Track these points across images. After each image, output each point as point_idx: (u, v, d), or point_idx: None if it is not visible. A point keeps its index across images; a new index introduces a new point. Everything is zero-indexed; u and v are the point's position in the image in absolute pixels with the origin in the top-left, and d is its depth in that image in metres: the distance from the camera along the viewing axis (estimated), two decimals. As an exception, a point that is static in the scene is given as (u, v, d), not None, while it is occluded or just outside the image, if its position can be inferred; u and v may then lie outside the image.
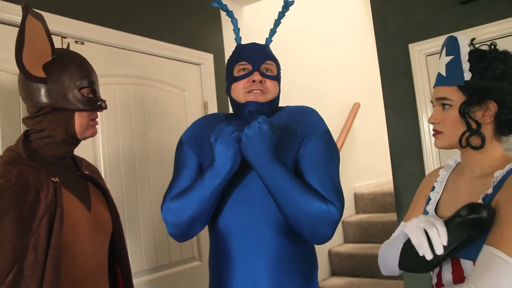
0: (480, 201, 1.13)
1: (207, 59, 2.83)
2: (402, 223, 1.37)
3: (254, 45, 1.54)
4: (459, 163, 1.34)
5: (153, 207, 2.38)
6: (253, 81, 1.46)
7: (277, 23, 1.62)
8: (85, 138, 1.39)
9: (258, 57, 1.49)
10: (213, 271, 1.53)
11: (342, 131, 4.47)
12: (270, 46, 1.61)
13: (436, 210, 1.28)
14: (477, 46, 1.23)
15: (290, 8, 1.61)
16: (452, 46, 1.19)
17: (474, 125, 1.16)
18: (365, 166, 4.66)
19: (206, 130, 1.54)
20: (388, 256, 1.30)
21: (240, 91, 1.49)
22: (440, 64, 1.23)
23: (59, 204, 1.24)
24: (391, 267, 1.29)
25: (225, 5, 1.62)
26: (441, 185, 1.32)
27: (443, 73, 1.20)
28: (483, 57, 1.17)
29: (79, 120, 1.34)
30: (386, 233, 3.99)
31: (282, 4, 1.60)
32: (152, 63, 2.49)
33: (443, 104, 1.20)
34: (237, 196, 1.44)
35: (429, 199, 1.33)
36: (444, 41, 1.24)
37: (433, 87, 1.26)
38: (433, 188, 1.34)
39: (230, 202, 1.45)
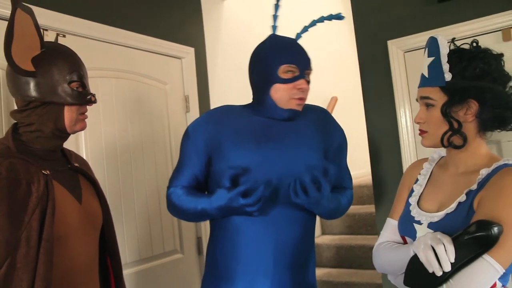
0: (463, 196, 1.16)
1: (188, 53, 2.83)
2: (388, 219, 1.40)
3: (299, 46, 1.55)
4: (442, 156, 1.38)
5: (136, 200, 2.39)
6: (300, 88, 1.48)
7: (277, 7, 1.70)
8: (74, 132, 1.39)
9: (304, 62, 1.51)
10: (214, 255, 1.58)
11: (319, 125, 4.52)
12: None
13: (418, 202, 1.31)
14: (459, 44, 1.26)
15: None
16: (433, 47, 1.22)
17: (455, 125, 1.18)
18: (342, 159, 4.71)
19: (223, 124, 1.56)
20: (384, 261, 1.32)
21: (285, 95, 1.49)
22: (423, 65, 1.26)
23: (51, 197, 1.24)
24: (390, 270, 1.31)
25: None
26: (425, 178, 1.35)
27: (426, 74, 1.24)
28: (462, 57, 1.20)
29: (68, 114, 1.34)
30: (362, 225, 4.09)
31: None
32: (134, 57, 2.49)
33: (427, 104, 1.23)
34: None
35: (412, 191, 1.36)
36: (426, 42, 1.27)
37: (418, 88, 1.28)
38: (417, 180, 1.37)
39: None
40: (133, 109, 2.44)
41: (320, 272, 3.75)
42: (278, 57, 1.49)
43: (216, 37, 3.11)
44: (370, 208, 4.16)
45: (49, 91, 1.30)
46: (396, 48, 2.48)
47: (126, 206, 2.32)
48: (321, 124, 1.62)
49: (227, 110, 1.61)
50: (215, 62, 3.06)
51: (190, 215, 1.55)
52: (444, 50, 1.19)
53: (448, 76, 1.18)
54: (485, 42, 2.21)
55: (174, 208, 1.59)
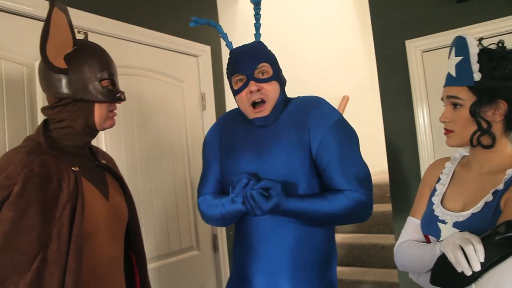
0: (490, 195, 1.16)
1: (205, 51, 2.84)
2: (410, 218, 1.40)
3: (243, 51, 1.54)
4: (464, 156, 1.38)
5: (154, 198, 2.40)
6: (251, 91, 1.48)
7: (257, 18, 1.61)
8: (103, 129, 1.41)
9: (249, 65, 1.50)
10: (236, 261, 1.60)
11: (331, 124, 4.52)
12: (253, 39, 1.60)
13: (441, 201, 1.31)
14: (485, 44, 1.25)
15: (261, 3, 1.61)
16: (461, 47, 1.22)
17: (484, 125, 1.19)
18: (353, 158, 4.70)
19: (225, 128, 1.65)
20: (407, 259, 1.32)
21: (245, 105, 1.52)
22: (450, 64, 1.26)
23: (80, 194, 1.26)
24: (412, 268, 1.31)
25: (203, 19, 1.61)
26: (447, 178, 1.35)
27: (453, 74, 1.23)
28: (492, 57, 1.20)
29: (98, 111, 1.36)
30: (374, 223, 4.08)
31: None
32: (152, 54, 2.50)
33: (454, 104, 1.23)
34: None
35: (435, 190, 1.35)
36: (452, 41, 1.27)
37: (444, 87, 1.28)
38: (439, 179, 1.37)
39: None
40: (151, 106, 2.46)
41: (332, 271, 3.75)
42: (228, 72, 1.57)
43: (231, 35, 3.08)
44: (383, 207, 4.15)
45: (80, 88, 1.31)
46: (414, 48, 2.48)
47: (144, 204, 2.34)
48: (301, 120, 1.50)
49: (231, 116, 1.68)
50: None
51: (220, 220, 1.59)
52: (473, 50, 1.20)
53: (477, 76, 1.19)
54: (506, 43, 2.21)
55: (204, 216, 1.65)
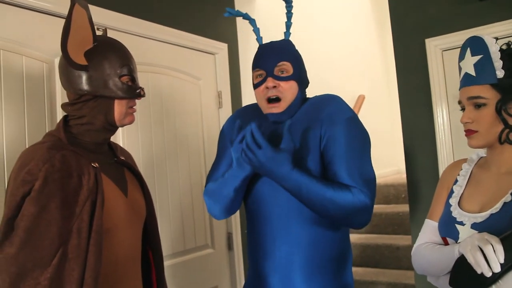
0: (508, 196, 1.15)
1: (222, 48, 2.84)
2: (427, 221, 1.39)
3: (268, 48, 1.54)
4: (481, 157, 1.36)
5: (170, 195, 2.41)
6: (267, 87, 1.48)
7: (288, 16, 1.62)
8: (123, 126, 1.41)
9: (270, 61, 1.50)
10: (251, 260, 1.58)
11: (346, 123, 4.49)
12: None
13: (459, 203, 1.30)
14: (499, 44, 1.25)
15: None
16: (478, 46, 1.21)
17: (511, 121, 1.18)
18: (369, 158, 4.69)
19: (245, 118, 1.64)
20: (425, 262, 1.30)
21: (261, 100, 1.53)
22: (466, 65, 1.25)
23: (100, 190, 1.26)
24: (431, 271, 1.29)
25: (238, 11, 1.63)
26: (464, 179, 1.34)
27: (472, 73, 1.22)
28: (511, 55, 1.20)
29: (118, 107, 1.36)
30: (388, 224, 4.06)
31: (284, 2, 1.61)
32: (169, 52, 2.50)
33: (477, 104, 1.22)
34: (268, 188, 1.50)
35: (452, 192, 1.34)
36: (464, 43, 1.27)
37: (461, 88, 1.27)
38: (456, 181, 1.36)
39: (262, 194, 1.52)
40: (168, 104, 2.46)
41: (345, 271, 3.74)
42: (252, 67, 1.56)
43: (248, 33, 3.11)
44: (397, 208, 4.12)
45: (100, 84, 1.32)
46: (434, 46, 2.45)
47: (160, 201, 2.35)
48: (314, 117, 1.48)
49: (252, 109, 1.67)
50: (247, 58, 3.06)
51: (226, 196, 1.51)
52: (494, 48, 1.20)
53: (500, 73, 1.18)
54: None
55: (210, 197, 1.56)
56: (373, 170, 1.45)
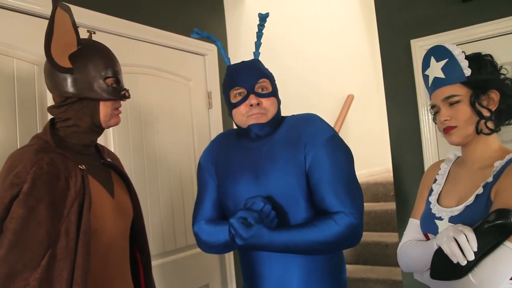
0: (480, 188, 1.22)
1: (212, 50, 2.86)
2: (411, 220, 1.44)
3: (244, 66, 1.53)
4: (458, 156, 1.44)
5: (160, 195, 2.43)
6: (251, 105, 1.47)
7: (259, 35, 1.62)
8: (109, 127, 1.43)
9: (250, 79, 1.49)
10: (244, 269, 1.57)
11: (336, 123, 4.54)
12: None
13: (438, 200, 1.36)
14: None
15: (267, 19, 1.62)
16: (441, 52, 1.31)
17: (486, 112, 1.26)
18: (358, 157, 4.69)
19: (220, 150, 1.62)
20: (409, 258, 1.35)
21: (242, 117, 1.50)
22: (433, 71, 1.33)
23: (87, 191, 1.28)
24: (415, 268, 1.33)
25: (205, 32, 1.63)
26: (443, 177, 1.41)
27: (442, 76, 1.30)
28: (472, 58, 1.30)
29: (103, 109, 1.37)
30: (377, 222, 4.10)
31: (259, 18, 1.61)
32: (159, 53, 2.52)
33: (451, 103, 1.29)
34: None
35: (432, 190, 1.41)
36: (426, 53, 1.36)
37: (432, 93, 1.34)
38: (435, 180, 1.43)
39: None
40: (159, 105, 2.48)
41: (336, 268, 3.78)
42: (227, 85, 1.55)
43: (237, 34, 3.14)
44: (386, 206, 4.17)
45: (85, 87, 1.33)
46: (419, 47, 2.49)
47: (151, 201, 2.37)
48: (295, 137, 1.47)
49: (227, 136, 1.66)
50: (237, 59, 3.07)
51: (222, 247, 1.52)
52: (457, 51, 1.29)
53: (467, 72, 1.27)
54: (509, 42, 2.22)
55: (206, 245, 1.55)
56: (358, 184, 1.45)
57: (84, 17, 2.09)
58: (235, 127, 1.61)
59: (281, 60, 3.70)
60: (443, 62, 1.30)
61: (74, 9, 2.02)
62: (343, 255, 1.57)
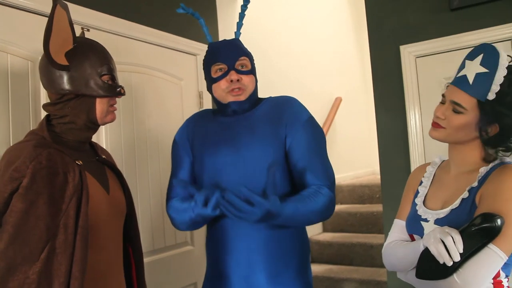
0: (466, 192, 1.25)
1: (203, 49, 2.85)
2: (396, 220, 1.47)
3: (226, 43, 1.60)
4: (443, 160, 1.47)
5: (151, 193, 2.45)
6: (231, 80, 1.53)
7: (241, 16, 1.70)
8: (105, 123, 1.44)
9: (231, 55, 1.56)
10: (210, 255, 1.61)
11: (324, 125, 4.57)
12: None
13: (424, 202, 1.39)
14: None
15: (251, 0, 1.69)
16: (491, 60, 1.21)
17: (485, 136, 1.24)
18: (345, 159, 4.78)
19: (196, 127, 1.67)
20: (394, 258, 1.37)
21: (222, 92, 1.56)
22: (470, 68, 1.25)
23: (85, 186, 1.30)
24: (399, 267, 1.36)
25: (190, 8, 1.69)
26: (428, 180, 1.44)
27: (470, 80, 1.23)
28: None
29: (99, 106, 1.39)
30: (363, 223, 4.16)
31: None
32: (151, 52, 2.54)
33: (455, 110, 1.26)
34: (228, 183, 1.51)
35: (417, 192, 1.44)
36: (484, 46, 1.25)
37: (451, 84, 1.29)
38: (421, 182, 1.45)
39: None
40: (150, 103, 2.50)
41: (321, 269, 3.82)
42: (208, 61, 1.60)
43: (229, 34, 3.14)
44: (371, 207, 4.23)
45: (82, 84, 1.35)
46: (408, 53, 2.54)
47: (141, 198, 2.38)
48: (277, 116, 1.57)
49: (203, 114, 1.72)
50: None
51: (191, 224, 1.56)
52: (502, 72, 1.21)
53: (491, 96, 1.21)
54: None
55: (174, 221, 1.62)
56: (329, 162, 1.59)
57: (78, 14, 2.09)
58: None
59: (269, 62, 3.74)
60: (483, 69, 1.22)
61: (68, 6, 2.04)
62: (309, 242, 1.66)
